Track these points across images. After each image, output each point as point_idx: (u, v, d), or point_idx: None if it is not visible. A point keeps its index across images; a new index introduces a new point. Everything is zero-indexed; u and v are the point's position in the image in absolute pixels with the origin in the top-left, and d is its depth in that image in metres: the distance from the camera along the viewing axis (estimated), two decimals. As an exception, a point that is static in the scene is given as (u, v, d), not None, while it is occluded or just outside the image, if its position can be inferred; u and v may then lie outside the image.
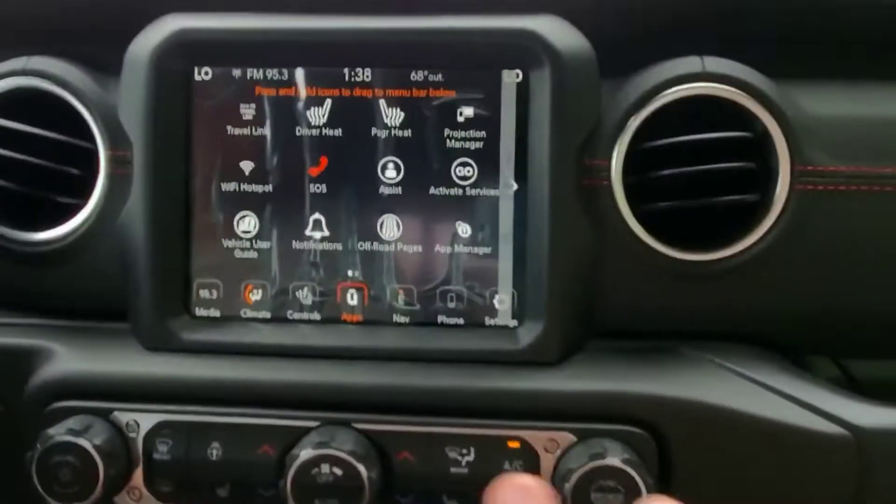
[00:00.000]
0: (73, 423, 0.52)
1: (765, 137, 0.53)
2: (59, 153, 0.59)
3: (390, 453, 0.51)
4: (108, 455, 0.51)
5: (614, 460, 0.47)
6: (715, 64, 0.54)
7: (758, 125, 0.54)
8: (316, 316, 0.57)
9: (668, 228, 0.55)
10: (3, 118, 0.59)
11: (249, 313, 0.58)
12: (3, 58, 0.61)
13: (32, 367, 0.57)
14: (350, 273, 0.57)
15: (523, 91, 0.55)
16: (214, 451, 0.52)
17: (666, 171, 0.53)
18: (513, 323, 0.56)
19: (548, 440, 0.50)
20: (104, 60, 0.60)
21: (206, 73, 0.58)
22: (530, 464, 0.50)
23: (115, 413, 0.53)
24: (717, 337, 0.57)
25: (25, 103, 0.60)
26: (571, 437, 0.50)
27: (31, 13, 0.63)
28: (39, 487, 0.51)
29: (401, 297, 0.57)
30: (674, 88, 0.54)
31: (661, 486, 0.50)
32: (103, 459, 0.50)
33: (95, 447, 0.50)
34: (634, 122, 0.54)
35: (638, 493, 0.47)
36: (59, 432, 0.51)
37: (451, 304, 0.57)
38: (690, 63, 0.54)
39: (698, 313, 0.57)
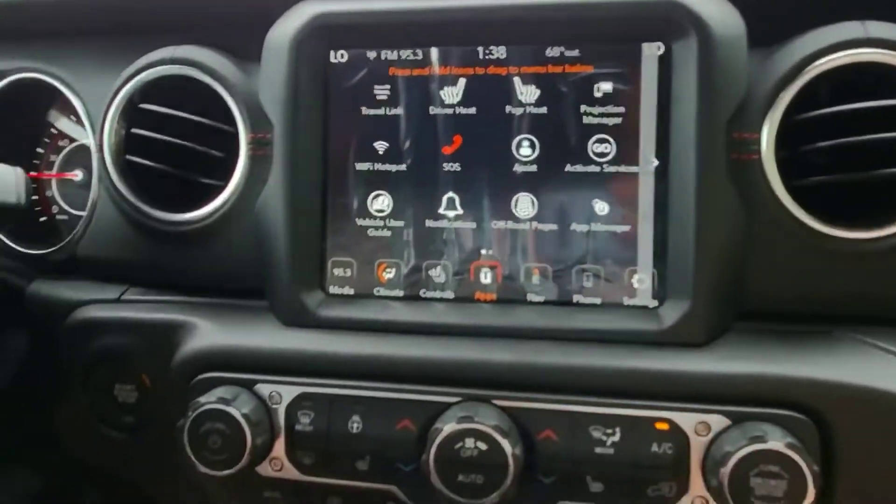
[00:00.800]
0: (222, 391, 0.54)
1: None
2: (201, 137, 0.62)
3: (532, 432, 0.50)
4: (255, 424, 0.52)
5: (777, 444, 0.45)
6: (879, 28, 0.51)
7: None
8: (449, 294, 0.57)
9: (819, 206, 0.52)
10: (151, 103, 0.62)
11: (382, 291, 0.59)
12: (151, 47, 0.64)
13: (177, 341, 0.59)
14: (484, 251, 0.57)
15: (665, 64, 0.54)
16: (355, 424, 0.53)
17: (826, 143, 0.50)
18: (653, 303, 0.54)
19: (699, 423, 0.48)
20: (245, 47, 0.62)
21: (342, 56, 0.59)
22: (680, 446, 0.48)
23: (259, 385, 0.55)
24: (869, 321, 0.53)
25: (171, 89, 0.63)
26: (725, 421, 0.48)
27: (176, 5, 0.66)
28: (190, 453, 0.53)
29: (535, 276, 0.56)
30: (833, 55, 0.51)
31: (824, 475, 0.47)
32: (251, 428, 0.52)
33: (244, 416, 0.52)
34: (788, 94, 0.51)
35: (804, 481, 0.44)
36: (209, 400, 0.53)
37: (588, 284, 0.55)
38: (851, 28, 0.51)
39: (853, 295, 0.53)
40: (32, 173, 0.76)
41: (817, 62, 0.51)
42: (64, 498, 0.78)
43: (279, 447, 0.55)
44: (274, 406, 0.55)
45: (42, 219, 0.77)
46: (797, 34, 0.53)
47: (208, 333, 0.58)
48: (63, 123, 0.76)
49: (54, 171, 0.77)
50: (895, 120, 0.50)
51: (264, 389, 0.55)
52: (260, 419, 0.53)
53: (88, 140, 0.70)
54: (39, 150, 0.77)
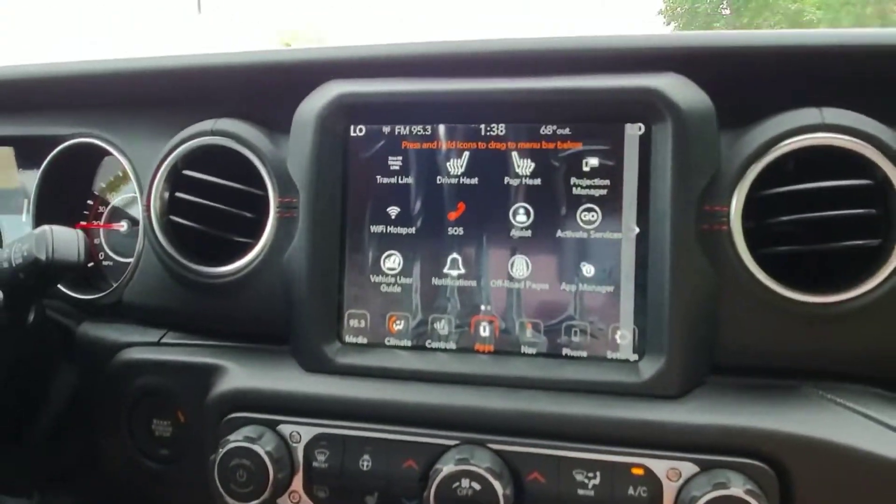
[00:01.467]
0: (248, 431, 0.60)
1: (885, 184, 0.55)
2: (235, 199, 0.70)
3: (522, 473, 0.56)
4: (277, 461, 0.59)
5: (738, 490, 0.50)
6: (833, 115, 0.57)
7: (878, 173, 0.56)
8: (452, 345, 0.64)
9: (784, 272, 0.58)
10: (192, 170, 0.70)
11: (392, 341, 0.65)
12: (193, 118, 0.72)
13: (210, 382, 0.66)
14: (483, 307, 0.63)
15: (645, 143, 0.60)
16: (365, 462, 0.59)
17: (788, 217, 0.56)
18: (633, 357, 0.60)
19: (670, 469, 0.54)
20: (276, 120, 0.70)
21: (361, 130, 0.66)
22: (653, 490, 0.54)
23: (281, 425, 0.62)
24: (835, 377, 0.59)
25: (209, 156, 0.71)
26: (694, 468, 0.53)
27: (217, 81, 0.75)
28: (219, 486, 0.59)
29: (529, 331, 0.62)
30: (794, 139, 0.57)
31: (784, 520, 0.52)
32: (273, 464, 0.59)
33: (267, 453, 0.59)
34: (754, 171, 0.58)
35: (761, 525, 0.49)
36: (237, 439, 0.59)
37: (576, 338, 0.61)
38: (809, 114, 0.57)
39: (816, 353, 0.58)
40: (83, 223, 0.85)
41: (780, 144, 0.57)
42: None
43: (297, 482, 0.61)
44: (294, 444, 0.61)
45: (90, 265, 0.85)
46: (763, 118, 0.59)
47: (237, 377, 0.65)
48: (109, 179, 0.85)
49: (102, 222, 0.85)
50: (851, 197, 0.56)
51: (286, 429, 0.61)
52: (281, 456, 0.60)
53: (135, 195, 0.78)
54: (89, 202, 0.85)
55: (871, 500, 0.51)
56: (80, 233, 0.64)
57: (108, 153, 0.80)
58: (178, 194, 0.70)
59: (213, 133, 0.70)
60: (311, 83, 0.68)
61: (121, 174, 0.84)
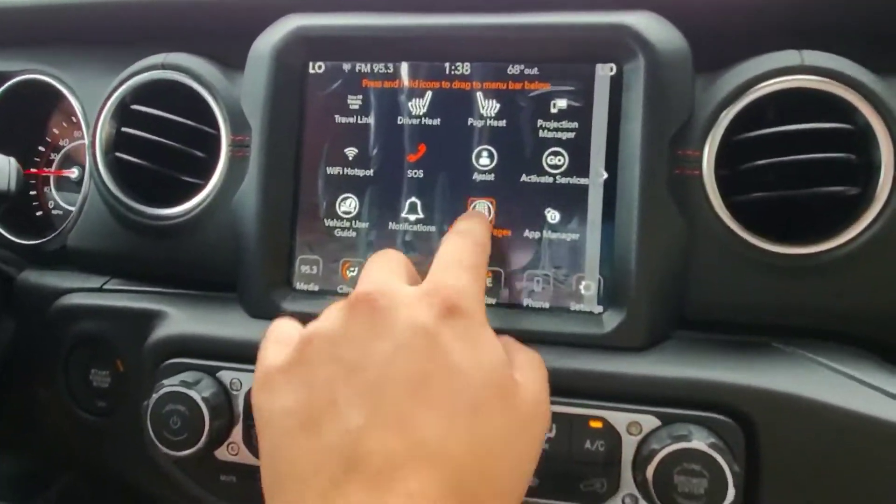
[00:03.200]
0: (185, 376, 0.57)
1: (866, 130, 0.53)
2: (186, 137, 0.66)
3: (473, 424, 0.53)
4: (213, 408, 0.55)
5: (700, 444, 0.47)
6: (814, 57, 0.54)
7: (859, 118, 0.53)
8: (407, 294, 0.60)
9: (759, 223, 0.55)
10: (142, 105, 0.67)
11: (345, 288, 0.62)
12: (147, 54, 0.68)
13: (150, 328, 0.62)
14: (441, 254, 0.60)
15: (616, 84, 0.57)
16: (308, 411, 0.55)
17: (763, 161, 0.53)
18: (598, 309, 0.57)
19: (631, 423, 0.50)
20: (232, 56, 0.66)
21: (320, 67, 0.63)
22: (612, 444, 0.51)
23: (221, 372, 0.58)
24: (808, 334, 0.56)
25: (161, 92, 0.67)
26: (655, 421, 0.50)
27: (171, 16, 0.71)
28: (151, 433, 0.56)
29: (488, 279, 0.59)
30: (771, 81, 0.54)
31: (748, 477, 0.49)
32: (210, 412, 0.55)
33: (203, 399, 0.55)
34: (729, 114, 0.54)
35: (724, 481, 0.46)
36: (172, 383, 0.56)
37: (538, 288, 0.58)
38: (788, 56, 0.54)
39: (790, 309, 0.55)
40: (32, 170, 0.81)
41: (757, 86, 0.54)
42: (40, 481, 0.80)
43: (237, 433, 0.57)
44: (234, 392, 0.57)
45: (38, 213, 0.81)
46: (741, 60, 0.56)
47: (178, 321, 0.61)
48: (62, 124, 0.81)
49: (52, 169, 0.81)
50: (830, 141, 0.53)
51: (226, 376, 0.58)
52: (219, 404, 0.56)
53: (85, 140, 0.74)
54: (41, 148, 0.81)
55: (838, 456, 0.48)
56: (13, 160, 0.60)
57: (58, 92, 0.76)
58: (125, 129, 0.66)
59: (163, 67, 0.66)
60: (270, 18, 0.64)
61: (74, 120, 0.80)
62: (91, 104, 0.72)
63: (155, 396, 0.55)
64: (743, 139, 0.55)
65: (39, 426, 0.73)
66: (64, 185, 0.81)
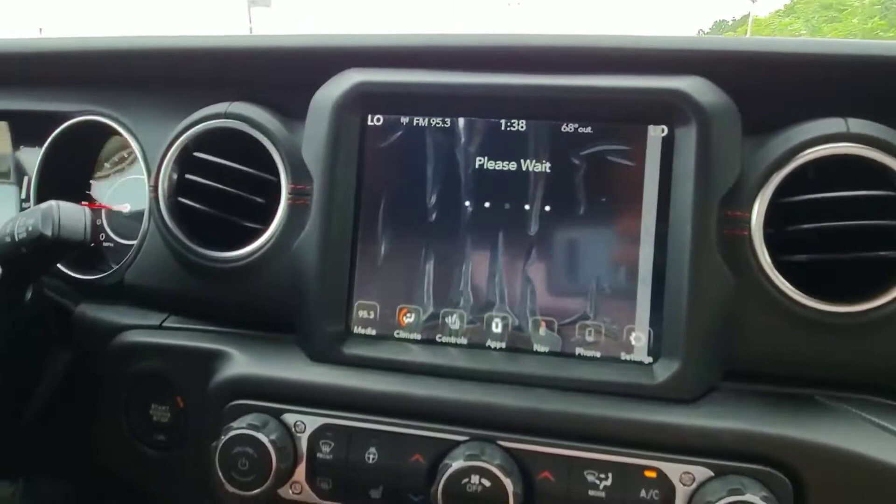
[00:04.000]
0: (252, 419, 0.59)
1: None
2: (246, 184, 0.68)
3: (532, 472, 0.55)
4: (280, 450, 0.58)
5: (753, 497, 0.49)
6: (858, 125, 0.57)
7: None
8: (463, 340, 0.63)
9: (804, 281, 0.57)
10: (204, 153, 0.69)
11: (402, 334, 0.64)
12: (206, 100, 0.71)
13: (212, 368, 0.65)
14: (496, 303, 0.63)
15: (668, 145, 0.60)
16: (371, 455, 0.58)
17: (811, 225, 0.56)
18: (648, 359, 0.59)
19: (684, 473, 0.53)
20: (292, 106, 0.69)
21: (378, 120, 0.66)
22: (666, 494, 0.53)
23: (286, 414, 0.60)
24: (850, 387, 0.58)
25: (223, 140, 0.69)
26: (708, 472, 0.53)
27: (233, 64, 0.73)
28: (220, 473, 0.58)
29: (542, 328, 0.62)
30: (818, 147, 0.57)
31: (798, 529, 0.51)
32: (277, 453, 0.57)
33: (271, 442, 0.57)
34: (777, 178, 0.57)
35: (775, 533, 0.49)
36: (240, 426, 0.58)
37: (589, 338, 0.61)
38: (834, 123, 0.57)
39: (833, 364, 0.58)
40: (85, 203, 0.83)
41: (804, 152, 0.57)
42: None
43: (300, 472, 0.60)
44: (298, 434, 0.60)
45: (91, 245, 0.83)
46: (787, 126, 0.59)
47: (241, 363, 0.64)
48: (115, 160, 0.83)
49: (106, 203, 0.84)
50: (873, 207, 0.56)
51: (290, 419, 0.60)
52: (285, 445, 0.58)
53: (142, 177, 0.77)
54: (92, 181, 0.84)
55: None
56: (87, 210, 0.63)
57: (114, 132, 0.78)
58: (188, 176, 0.69)
59: (226, 116, 0.69)
60: (329, 71, 0.67)
61: (126, 155, 0.82)
62: (150, 145, 0.75)
63: (224, 438, 0.58)
64: (789, 201, 0.57)
65: (93, 455, 0.75)
66: (115, 217, 0.84)
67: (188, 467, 0.67)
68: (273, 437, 0.58)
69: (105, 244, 0.84)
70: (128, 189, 0.83)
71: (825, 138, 0.57)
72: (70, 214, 0.61)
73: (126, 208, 0.83)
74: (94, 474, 0.79)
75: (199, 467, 0.61)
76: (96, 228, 0.83)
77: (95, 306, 0.76)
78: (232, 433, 0.58)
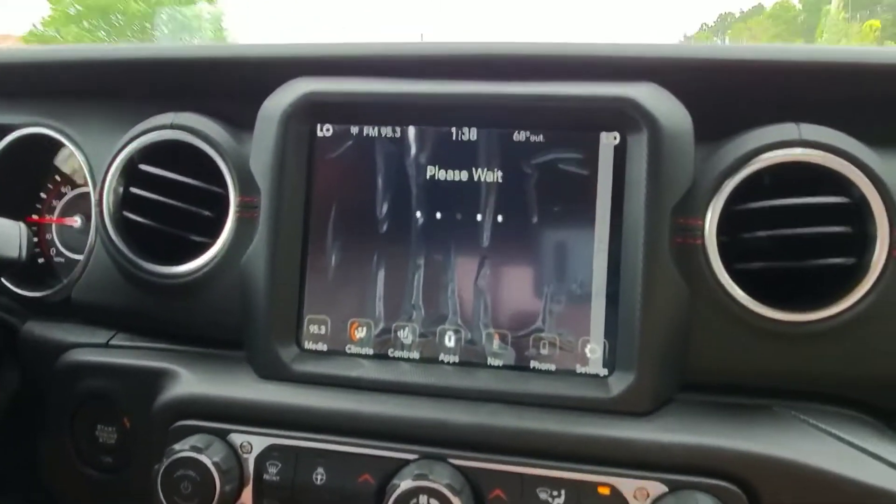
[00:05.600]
0: (196, 440, 0.57)
1: (862, 203, 0.55)
2: (193, 197, 0.66)
3: (484, 490, 0.54)
4: (224, 472, 0.56)
5: (706, 513, 0.48)
6: (811, 131, 0.56)
7: (854, 191, 0.55)
8: (415, 355, 0.61)
9: (758, 287, 0.56)
10: (149, 165, 0.67)
11: (353, 349, 0.62)
12: (153, 111, 0.69)
13: (159, 387, 0.63)
14: (449, 316, 0.61)
15: (620, 153, 0.59)
16: (319, 476, 0.56)
17: (764, 233, 0.55)
18: (603, 372, 0.58)
19: (638, 489, 0.52)
20: (240, 117, 0.67)
21: (328, 130, 0.64)
22: (620, 511, 0.52)
23: (232, 434, 0.58)
24: (806, 397, 0.57)
25: (167, 151, 0.68)
26: (662, 488, 0.51)
27: (179, 74, 0.71)
28: (162, 498, 0.56)
29: (496, 342, 0.60)
30: (770, 153, 0.56)
31: (752, 545, 0.50)
32: (221, 476, 0.55)
33: (214, 464, 0.55)
34: (729, 185, 0.56)
35: (729, 549, 0.47)
36: (183, 448, 0.56)
37: (544, 351, 0.59)
38: (787, 130, 0.56)
39: (789, 373, 0.57)
40: (34, 217, 0.81)
41: (756, 158, 0.56)
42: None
43: (247, 495, 0.58)
44: (245, 455, 0.58)
45: (40, 260, 0.81)
46: (740, 132, 0.58)
47: (187, 382, 0.62)
48: (65, 172, 0.81)
49: (55, 217, 0.81)
50: (827, 214, 0.55)
51: (236, 439, 0.58)
52: (230, 467, 0.56)
53: (89, 190, 0.75)
54: (42, 195, 0.81)
55: None
56: (23, 226, 0.60)
57: (61, 145, 0.76)
58: (133, 189, 0.67)
59: (172, 127, 0.67)
60: (278, 80, 0.65)
61: (77, 167, 0.80)
62: (96, 158, 0.73)
63: (166, 461, 0.56)
64: (742, 209, 0.56)
65: (44, 476, 0.73)
66: (66, 231, 0.81)
67: (135, 490, 0.65)
68: (217, 458, 0.56)
69: (56, 259, 0.81)
70: (81, 202, 0.81)
71: (777, 144, 0.56)
72: (4, 231, 0.59)
73: (77, 222, 0.81)
74: (41, 496, 0.77)
75: (146, 490, 0.58)
76: (42, 245, 0.81)
77: (43, 324, 0.73)
78: (174, 456, 0.56)
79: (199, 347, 0.67)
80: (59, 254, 0.81)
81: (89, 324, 0.72)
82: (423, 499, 0.51)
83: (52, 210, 0.82)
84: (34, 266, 0.80)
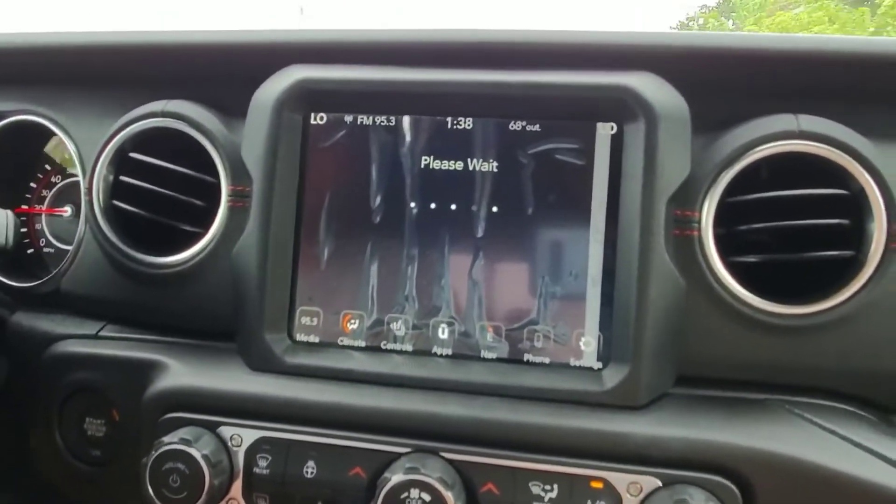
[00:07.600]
0: (184, 433, 0.56)
1: (860, 195, 0.54)
2: (185, 186, 0.65)
3: (476, 484, 0.53)
4: (214, 465, 0.55)
5: (700, 508, 0.47)
6: (810, 122, 0.55)
7: (853, 183, 0.54)
8: (408, 347, 0.60)
9: (755, 281, 0.56)
10: (140, 153, 0.66)
11: (346, 341, 0.62)
12: (145, 99, 0.68)
13: (149, 379, 0.62)
14: (442, 308, 0.60)
15: (617, 143, 0.58)
16: (309, 469, 0.55)
17: (761, 225, 0.54)
18: (597, 365, 0.57)
19: (631, 483, 0.51)
20: (232, 104, 0.66)
21: (321, 118, 0.63)
22: (613, 505, 0.51)
23: (222, 427, 0.57)
24: (802, 390, 0.57)
25: (160, 139, 0.66)
26: (656, 482, 0.51)
27: (171, 61, 0.70)
28: (151, 491, 0.55)
29: (489, 334, 0.59)
30: (768, 145, 0.55)
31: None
32: (210, 469, 0.54)
33: (204, 457, 0.54)
34: (727, 176, 0.56)
35: (723, 544, 0.47)
36: (172, 440, 0.55)
37: (538, 344, 0.59)
38: (785, 121, 0.56)
39: (784, 366, 0.56)
40: (24, 207, 0.80)
41: (754, 149, 0.56)
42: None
43: (236, 488, 0.57)
44: (234, 448, 0.57)
45: (29, 251, 0.80)
46: (738, 123, 0.58)
47: (177, 374, 0.61)
48: (56, 160, 0.80)
49: (45, 206, 0.80)
50: (825, 206, 0.55)
51: (226, 432, 0.57)
52: (219, 460, 0.56)
53: (79, 179, 0.73)
54: (32, 184, 0.80)
55: None
56: (11, 214, 0.59)
57: (51, 133, 0.75)
58: (123, 178, 0.66)
59: (163, 114, 0.66)
60: (271, 67, 0.64)
61: (68, 156, 0.79)
62: (86, 146, 0.72)
63: (155, 454, 0.55)
64: (740, 200, 0.56)
65: (34, 469, 0.72)
66: (56, 221, 0.80)
67: (124, 484, 0.64)
68: (206, 451, 0.55)
69: (45, 249, 0.80)
70: (71, 192, 0.80)
71: (775, 136, 0.55)
72: None
73: (66, 212, 0.80)
74: (33, 487, 0.76)
75: (135, 484, 0.58)
76: (32, 235, 0.79)
77: (32, 315, 0.72)
78: (163, 448, 0.55)
79: (190, 339, 0.66)
80: (49, 244, 0.80)
81: (78, 315, 0.71)
82: (414, 492, 0.51)
83: (41, 200, 0.81)
84: (23, 256, 0.79)
